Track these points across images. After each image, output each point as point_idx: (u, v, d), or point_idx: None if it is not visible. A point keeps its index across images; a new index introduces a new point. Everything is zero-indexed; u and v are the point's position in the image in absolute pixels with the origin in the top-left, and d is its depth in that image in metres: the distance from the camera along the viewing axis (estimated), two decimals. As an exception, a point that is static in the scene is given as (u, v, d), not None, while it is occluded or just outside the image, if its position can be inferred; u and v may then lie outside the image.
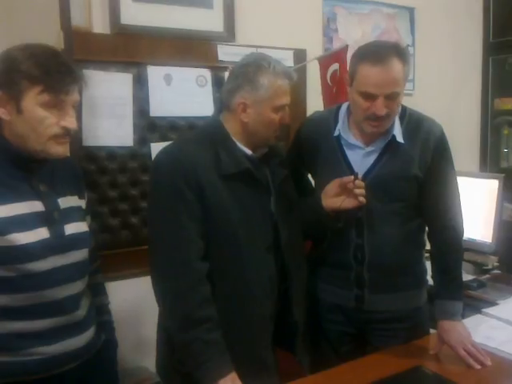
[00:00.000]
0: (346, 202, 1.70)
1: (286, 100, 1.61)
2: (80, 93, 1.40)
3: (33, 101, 1.30)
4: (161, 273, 1.54)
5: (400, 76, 1.63)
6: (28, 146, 1.34)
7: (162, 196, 1.54)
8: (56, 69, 1.30)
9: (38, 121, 1.31)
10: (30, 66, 1.29)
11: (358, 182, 1.67)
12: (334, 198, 1.73)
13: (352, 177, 1.68)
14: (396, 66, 1.61)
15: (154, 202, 1.58)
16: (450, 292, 1.75)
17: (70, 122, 1.35)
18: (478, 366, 1.62)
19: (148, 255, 1.58)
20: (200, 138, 1.62)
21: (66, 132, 1.35)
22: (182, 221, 1.50)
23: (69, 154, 1.46)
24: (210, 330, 1.49)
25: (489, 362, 1.64)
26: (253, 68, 1.56)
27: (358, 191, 1.67)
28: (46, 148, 1.34)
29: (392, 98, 1.64)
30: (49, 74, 1.29)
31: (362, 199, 1.68)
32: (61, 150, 1.37)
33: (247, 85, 1.56)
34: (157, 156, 1.61)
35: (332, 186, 1.73)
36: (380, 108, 1.63)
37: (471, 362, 1.63)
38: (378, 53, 1.62)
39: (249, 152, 1.62)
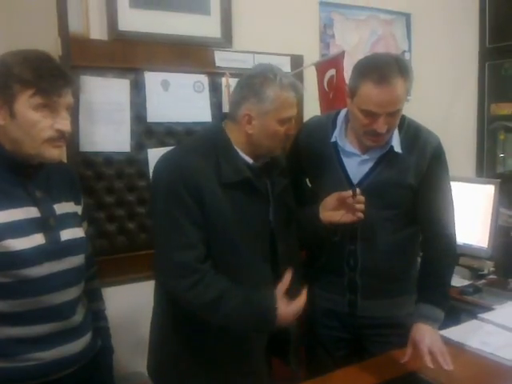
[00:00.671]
0: (344, 217, 1.69)
1: (291, 112, 1.58)
2: (74, 96, 1.40)
3: (25, 104, 1.29)
4: (164, 277, 1.58)
5: (402, 92, 1.62)
6: (23, 151, 1.33)
7: (162, 202, 1.54)
8: (48, 72, 1.30)
9: (31, 124, 1.30)
10: (22, 69, 1.29)
11: (359, 198, 1.65)
12: (332, 211, 1.71)
13: (351, 191, 1.66)
14: (399, 84, 1.60)
15: (156, 208, 1.57)
16: (436, 297, 1.69)
17: (64, 125, 1.34)
18: (431, 365, 1.55)
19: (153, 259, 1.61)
20: (201, 145, 1.60)
21: (61, 135, 1.34)
22: (183, 226, 1.50)
23: (64, 158, 1.45)
24: (230, 298, 1.48)
25: (447, 367, 1.55)
26: (259, 79, 1.54)
27: (357, 206, 1.66)
28: (41, 152, 1.33)
29: (393, 115, 1.64)
30: (41, 77, 1.29)
31: (360, 215, 1.66)
32: (55, 153, 1.37)
33: (253, 97, 1.54)
34: (157, 163, 1.61)
35: (331, 200, 1.72)
36: (381, 126, 1.63)
37: (428, 359, 1.56)
38: (381, 71, 1.59)
39: (250, 161, 1.61)
